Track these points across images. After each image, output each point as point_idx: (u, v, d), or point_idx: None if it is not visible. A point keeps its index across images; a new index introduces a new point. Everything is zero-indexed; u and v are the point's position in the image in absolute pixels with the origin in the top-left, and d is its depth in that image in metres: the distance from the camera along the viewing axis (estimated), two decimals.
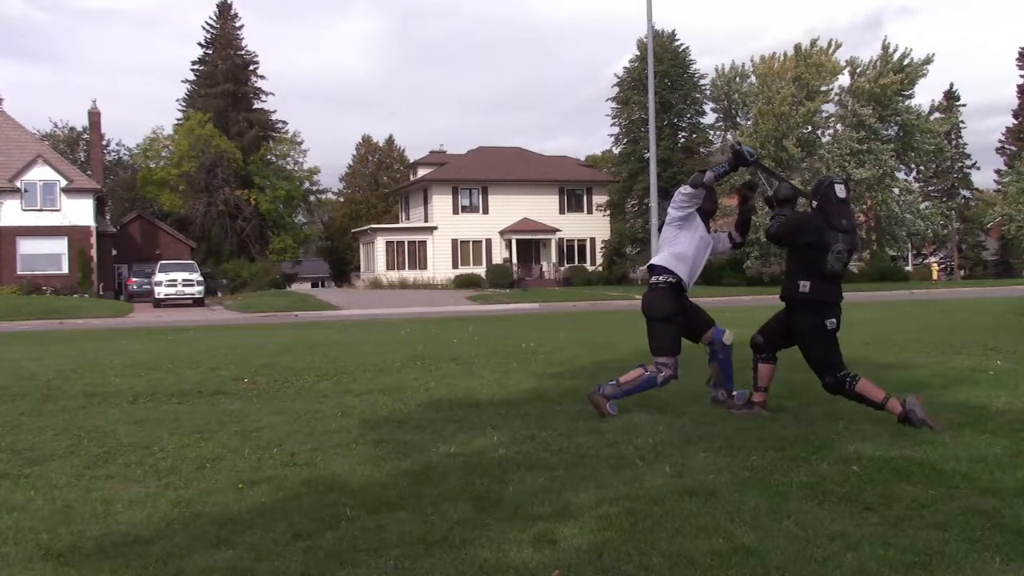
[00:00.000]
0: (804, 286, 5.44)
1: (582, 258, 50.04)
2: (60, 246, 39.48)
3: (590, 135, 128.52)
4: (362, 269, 52.12)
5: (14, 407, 7.10)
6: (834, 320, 5.46)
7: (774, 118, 41.03)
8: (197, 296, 35.22)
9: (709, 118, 48.11)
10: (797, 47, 43.96)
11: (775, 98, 41.13)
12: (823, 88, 43.19)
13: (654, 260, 6.05)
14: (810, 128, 43.30)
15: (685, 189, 5.87)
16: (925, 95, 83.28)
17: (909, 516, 3.48)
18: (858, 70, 44.84)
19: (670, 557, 3.06)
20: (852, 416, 5.55)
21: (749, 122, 43.64)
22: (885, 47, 45.07)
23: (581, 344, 12.01)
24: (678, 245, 5.90)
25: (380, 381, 8.19)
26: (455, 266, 47.89)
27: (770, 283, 38.47)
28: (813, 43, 44.05)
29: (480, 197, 49.25)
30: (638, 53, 45.34)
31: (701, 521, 3.45)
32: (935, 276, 49.16)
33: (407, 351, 11.37)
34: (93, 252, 40.06)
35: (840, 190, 5.51)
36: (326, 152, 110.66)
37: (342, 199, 73.55)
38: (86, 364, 10.73)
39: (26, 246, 39.07)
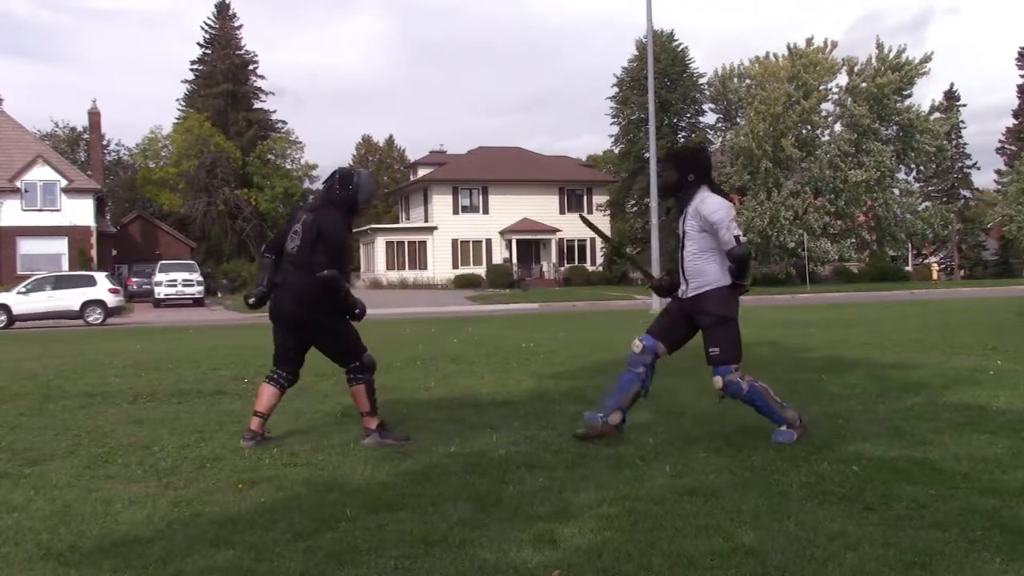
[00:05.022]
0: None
1: (582, 258, 50.02)
2: (60, 246, 39.45)
3: (591, 135, 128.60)
4: (362, 269, 52.09)
5: (14, 407, 7.10)
6: None
7: (770, 118, 41.00)
8: (197, 296, 35.25)
9: (709, 118, 48.23)
10: (790, 47, 43.99)
11: (769, 98, 41.09)
12: (821, 87, 43.15)
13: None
14: (809, 128, 43.25)
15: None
16: (926, 96, 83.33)
17: (909, 516, 3.47)
18: (855, 68, 44.79)
19: (670, 557, 3.05)
20: (852, 416, 5.55)
21: (746, 121, 43.63)
22: (880, 45, 45.05)
23: (581, 344, 12.01)
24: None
25: (380, 381, 8.10)
26: (455, 266, 47.86)
27: (763, 282, 38.43)
28: (809, 42, 44.05)
29: (480, 197, 49.23)
30: (637, 53, 45.35)
31: (701, 521, 3.45)
32: (935, 276, 49.04)
33: (407, 351, 11.37)
34: (93, 252, 40.05)
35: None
36: (326, 152, 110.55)
37: None
38: (86, 364, 10.73)
39: (26, 246, 39.05)
